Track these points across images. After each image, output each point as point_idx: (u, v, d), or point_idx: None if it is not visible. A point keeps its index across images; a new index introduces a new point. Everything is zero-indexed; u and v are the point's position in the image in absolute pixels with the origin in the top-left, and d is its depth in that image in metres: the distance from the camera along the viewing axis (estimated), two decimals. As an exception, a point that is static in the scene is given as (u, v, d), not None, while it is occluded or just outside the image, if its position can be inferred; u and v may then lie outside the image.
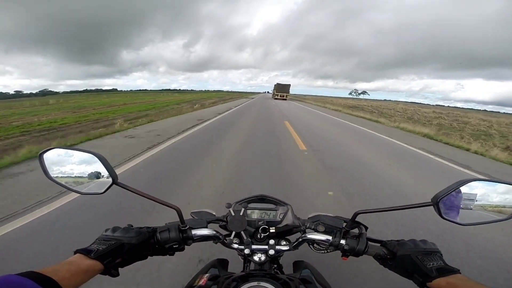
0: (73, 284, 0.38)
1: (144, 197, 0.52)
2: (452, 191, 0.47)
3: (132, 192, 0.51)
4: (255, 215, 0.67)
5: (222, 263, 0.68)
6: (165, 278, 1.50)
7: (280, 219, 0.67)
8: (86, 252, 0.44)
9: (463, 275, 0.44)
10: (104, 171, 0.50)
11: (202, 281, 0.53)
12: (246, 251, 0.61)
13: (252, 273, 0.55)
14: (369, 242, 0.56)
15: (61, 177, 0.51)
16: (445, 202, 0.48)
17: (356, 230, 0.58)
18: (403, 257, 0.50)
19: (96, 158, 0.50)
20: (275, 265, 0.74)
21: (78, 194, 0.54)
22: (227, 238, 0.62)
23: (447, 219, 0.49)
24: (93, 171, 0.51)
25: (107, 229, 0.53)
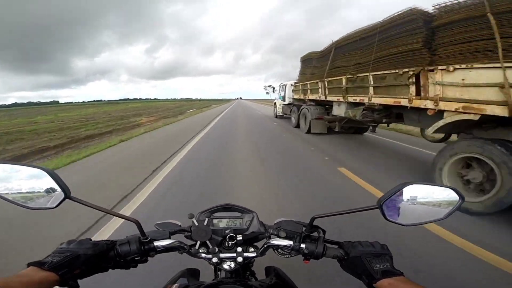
0: None
1: (100, 211, 0.50)
2: (394, 194, 0.51)
3: (87, 206, 0.49)
4: (222, 223, 0.68)
5: (192, 273, 0.66)
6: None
7: (246, 227, 0.67)
8: (39, 264, 0.43)
9: (405, 278, 0.47)
10: (55, 186, 0.47)
11: None
12: (214, 259, 0.61)
13: (223, 281, 0.55)
14: (328, 245, 0.59)
15: (8, 193, 0.47)
16: (388, 204, 0.52)
17: (316, 234, 0.61)
18: (354, 258, 0.53)
19: (45, 173, 0.47)
20: (248, 272, 0.74)
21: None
22: (192, 248, 0.61)
23: (391, 221, 0.53)
24: (43, 186, 0.48)
25: (62, 242, 0.51)
